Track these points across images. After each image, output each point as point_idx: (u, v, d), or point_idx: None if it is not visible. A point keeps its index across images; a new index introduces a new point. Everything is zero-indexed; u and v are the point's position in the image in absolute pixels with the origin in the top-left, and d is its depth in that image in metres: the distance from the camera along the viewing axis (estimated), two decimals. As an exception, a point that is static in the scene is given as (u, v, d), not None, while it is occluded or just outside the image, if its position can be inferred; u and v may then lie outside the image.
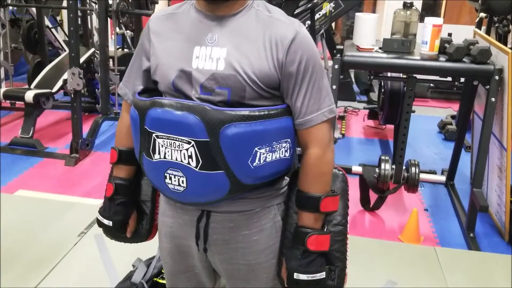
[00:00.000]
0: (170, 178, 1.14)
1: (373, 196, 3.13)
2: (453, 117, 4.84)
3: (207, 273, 1.38)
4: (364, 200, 3.16)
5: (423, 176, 3.07)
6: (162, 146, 1.13)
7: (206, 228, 1.25)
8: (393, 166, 3.01)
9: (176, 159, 1.12)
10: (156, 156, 1.14)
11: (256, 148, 1.11)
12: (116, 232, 1.36)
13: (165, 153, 1.13)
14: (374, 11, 6.79)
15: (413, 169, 2.98)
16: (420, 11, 3.00)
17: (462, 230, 2.95)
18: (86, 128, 4.07)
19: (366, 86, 5.74)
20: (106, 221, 1.34)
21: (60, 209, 2.93)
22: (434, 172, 3.69)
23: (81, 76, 3.80)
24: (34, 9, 5.21)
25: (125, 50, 5.46)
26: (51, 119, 4.78)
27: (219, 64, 1.12)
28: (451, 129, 4.49)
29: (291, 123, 1.17)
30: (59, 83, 4.42)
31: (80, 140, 3.86)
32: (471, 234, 2.84)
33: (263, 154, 1.12)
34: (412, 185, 2.98)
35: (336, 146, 3.87)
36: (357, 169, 3.58)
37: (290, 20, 1.16)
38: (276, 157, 1.15)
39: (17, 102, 4.56)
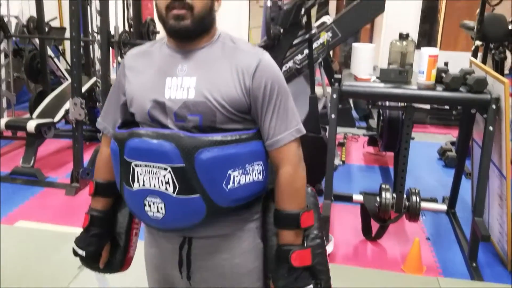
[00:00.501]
0: (150, 206, 1.19)
1: (374, 225, 3.12)
2: (452, 143, 4.86)
3: None
4: (366, 229, 3.15)
5: (424, 204, 3.06)
6: (140, 174, 1.18)
7: (188, 255, 1.29)
8: (394, 195, 3.01)
9: (154, 186, 1.17)
10: (136, 184, 1.20)
11: (229, 171, 1.17)
12: (89, 262, 1.41)
13: (143, 181, 1.18)
14: (371, 40, 6.87)
15: (414, 198, 2.98)
16: (416, 41, 3.04)
17: (465, 260, 2.93)
18: (86, 157, 4.09)
19: (365, 112, 5.78)
20: (80, 251, 1.39)
21: (60, 240, 2.91)
22: (435, 200, 3.68)
23: (83, 106, 3.83)
24: (37, 40, 5.30)
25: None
26: (52, 147, 4.80)
27: (189, 92, 1.19)
28: (451, 155, 4.49)
29: (261, 146, 1.24)
30: (61, 112, 4.46)
31: (81, 169, 3.87)
32: (474, 264, 2.81)
33: (237, 176, 1.19)
34: (413, 214, 2.98)
35: (336, 173, 3.88)
36: (358, 197, 3.55)
37: (254, 49, 1.25)
38: (249, 180, 1.21)
39: (18, 132, 4.58)
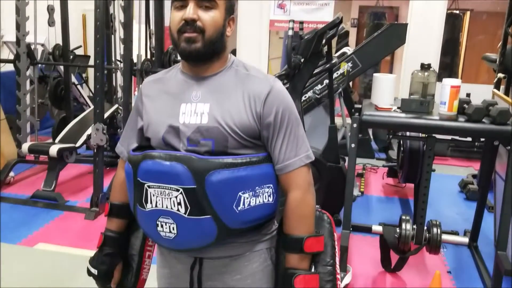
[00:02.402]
0: (162, 226, 1.22)
1: (394, 257, 3.06)
2: (474, 176, 4.78)
3: None
4: (385, 261, 3.09)
5: (445, 237, 3.01)
6: (153, 195, 1.21)
7: (199, 275, 1.31)
8: (414, 226, 2.96)
9: (167, 207, 1.20)
10: (149, 205, 1.23)
11: (240, 193, 1.19)
12: (102, 281, 1.43)
13: (156, 202, 1.21)
14: (391, 71, 6.89)
15: (434, 229, 2.92)
16: (437, 71, 3.04)
17: (488, 294, 2.85)
18: (106, 182, 4.12)
19: (384, 143, 5.75)
20: (92, 270, 1.42)
21: (79, 264, 2.91)
22: (456, 233, 3.61)
23: (104, 131, 3.89)
24: (61, 67, 5.44)
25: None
26: (72, 172, 4.86)
27: (203, 118, 1.23)
28: (473, 188, 4.42)
29: (272, 169, 1.27)
30: (83, 138, 4.53)
31: (101, 194, 3.90)
32: (497, 299, 2.73)
33: (247, 198, 1.21)
34: (434, 246, 2.92)
35: (355, 204, 3.84)
36: (377, 228, 3.52)
37: (266, 77, 1.28)
38: (259, 202, 1.23)
39: (41, 156, 4.66)
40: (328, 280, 1.29)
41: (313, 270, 1.29)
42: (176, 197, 1.18)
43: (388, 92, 3.00)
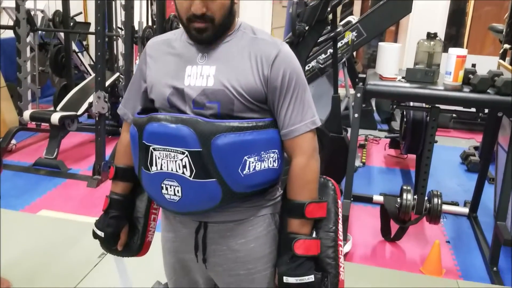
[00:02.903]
0: (167, 189, 1.22)
1: (394, 227, 3.09)
2: (476, 148, 4.78)
3: None
4: (385, 230, 3.12)
5: (445, 207, 3.02)
6: (158, 158, 1.21)
7: (204, 239, 1.32)
8: (415, 197, 2.97)
9: (172, 170, 1.19)
10: (153, 168, 1.22)
11: (245, 157, 1.19)
12: (108, 244, 1.44)
13: (161, 165, 1.21)
14: (395, 40, 6.81)
15: (435, 200, 2.94)
16: (443, 41, 3.00)
17: (485, 264, 2.89)
18: (108, 151, 4.13)
19: (387, 114, 5.73)
20: (98, 232, 1.43)
21: (81, 230, 2.96)
22: (456, 204, 3.63)
23: (106, 100, 3.87)
24: (62, 34, 5.37)
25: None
26: (74, 141, 4.86)
27: (209, 80, 1.21)
28: (474, 160, 4.43)
29: (277, 135, 1.26)
30: (84, 106, 4.52)
31: (103, 162, 3.91)
32: (494, 268, 2.76)
33: (252, 163, 1.20)
34: (434, 216, 2.93)
35: (356, 174, 3.85)
36: (378, 198, 3.54)
37: (273, 40, 1.26)
38: (264, 167, 1.23)
39: (42, 124, 4.65)
40: (329, 246, 1.29)
41: (314, 235, 1.29)
42: (181, 159, 1.17)
43: (393, 61, 2.97)
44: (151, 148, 1.21)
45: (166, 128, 1.18)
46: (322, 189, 1.34)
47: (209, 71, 1.22)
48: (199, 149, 1.16)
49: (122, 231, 1.44)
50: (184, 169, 1.18)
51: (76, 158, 4.42)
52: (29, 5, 4.71)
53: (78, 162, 4.34)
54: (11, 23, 5.02)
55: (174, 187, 1.20)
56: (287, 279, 1.24)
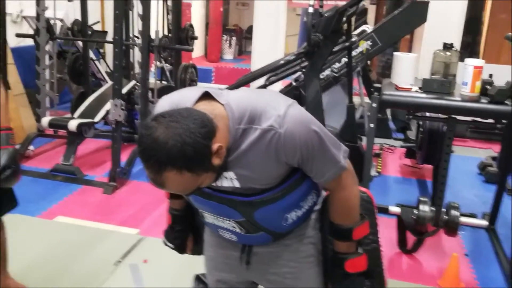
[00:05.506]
0: (223, 233, 1.39)
1: (410, 238, 3.05)
2: (493, 158, 4.71)
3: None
4: (402, 242, 3.08)
5: (463, 219, 2.98)
6: (209, 217, 1.36)
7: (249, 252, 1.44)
8: (432, 208, 2.94)
9: (224, 226, 1.35)
10: (207, 220, 1.39)
11: (286, 215, 1.31)
12: (179, 251, 1.64)
13: (213, 221, 1.36)
14: (410, 50, 6.77)
15: (453, 211, 2.90)
16: (459, 51, 2.97)
17: (505, 277, 2.83)
18: (124, 157, 4.16)
19: (402, 124, 5.68)
20: (169, 244, 1.61)
21: (97, 237, 2.97)
22: (474, 216, 3.58)
23: (123, 107, 3.91)
24: (80, 42, 5.44)
25: (164, 82, 5.61)
26: (91, 147, 4.91)
27: (234, 183, 1.25)
28: (492, 171, 4.36)
29: (310, 182, 1.32)
30: (101, 113, 4.55)
31: (119, 169, 3.94)
32: (514, 282, 2.72)
33: (293, 214, 1.32)
34: (452, 228, 2.90)
35: (372, 184, 3.82)
36: (394, 209, 3.49)
37: (274, 121, 1.15)
38: (305, 209, 1.36)
39: (59, 130, 4.71)
40: (373, 257, 1.42)
41: (359, 250, 1.37)
42: (229, 222, 1.32)
43: (408, 71, 2.95)
44: (199, 210, 1.38)
45: (210, 205, 1.31)
46: (360, 203, 1.37)
47: (230, 175, 1.22)
48: (244, 219, 1.29)
49: (188, 239, 1.61)
50: (235, 228, 1.33)
51: (92, 165, 4.46)
52: (48, 14, 4.79)
53: (94, 168, 4.38)
54: (30, 31, 5.10)
55: (229, 234, 1.37)
56: None
